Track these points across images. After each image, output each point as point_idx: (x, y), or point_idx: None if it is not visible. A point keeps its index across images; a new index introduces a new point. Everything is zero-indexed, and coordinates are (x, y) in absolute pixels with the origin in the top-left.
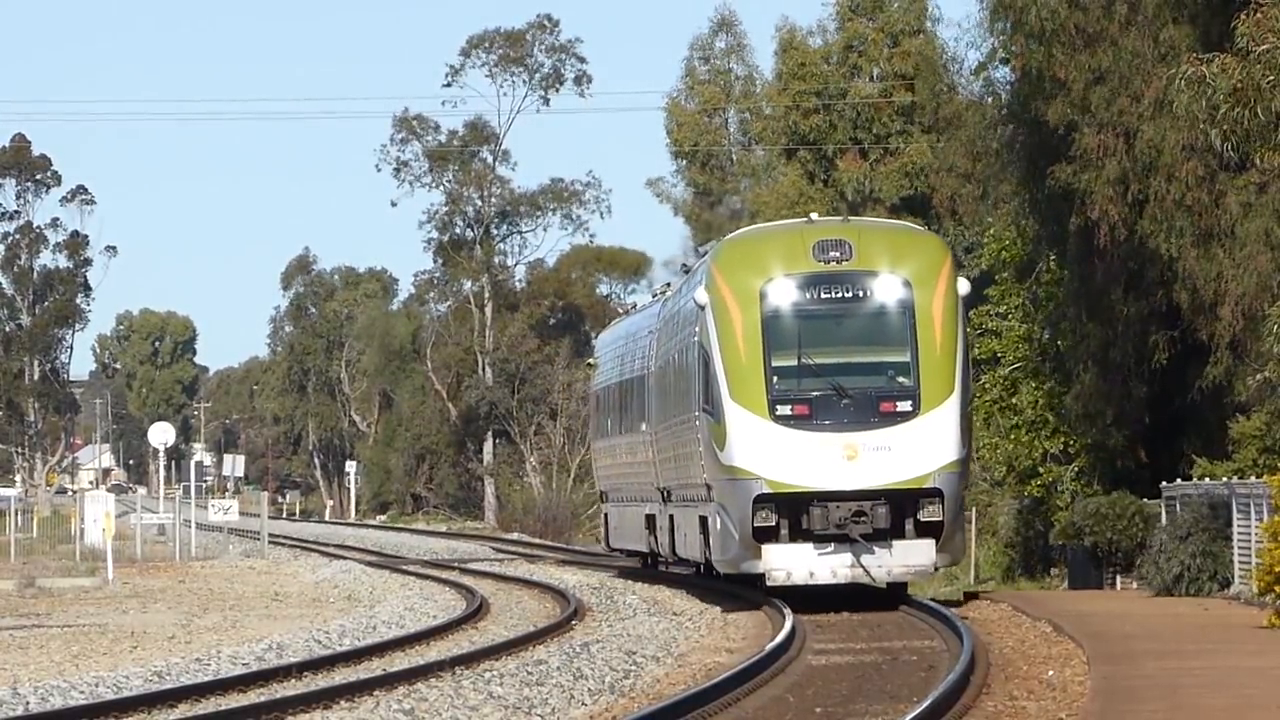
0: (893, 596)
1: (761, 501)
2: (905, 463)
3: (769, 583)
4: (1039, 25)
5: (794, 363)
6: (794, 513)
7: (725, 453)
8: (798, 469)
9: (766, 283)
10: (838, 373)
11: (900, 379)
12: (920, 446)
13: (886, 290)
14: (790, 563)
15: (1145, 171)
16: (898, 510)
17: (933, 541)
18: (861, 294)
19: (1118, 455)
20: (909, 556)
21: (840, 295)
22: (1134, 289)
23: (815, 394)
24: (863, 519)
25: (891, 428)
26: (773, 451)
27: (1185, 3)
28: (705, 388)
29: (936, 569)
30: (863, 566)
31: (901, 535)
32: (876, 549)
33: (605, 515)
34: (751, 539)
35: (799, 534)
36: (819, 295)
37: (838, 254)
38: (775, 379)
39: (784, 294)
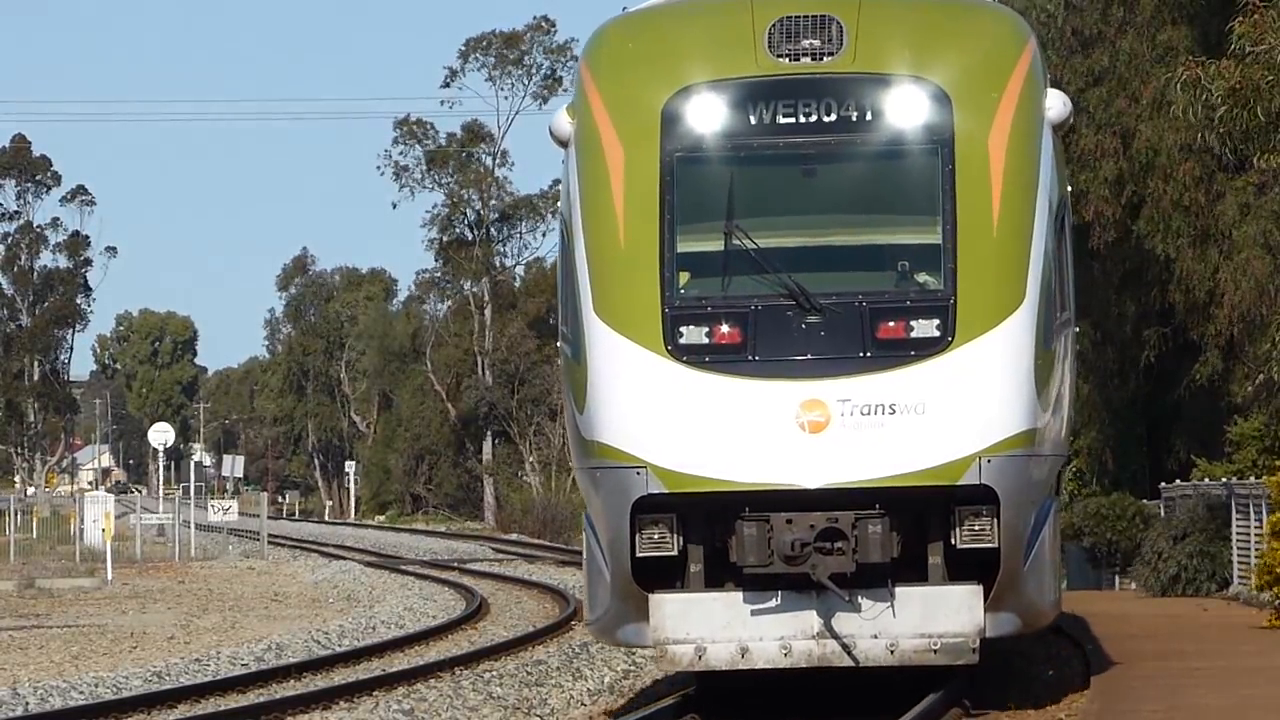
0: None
1: (649, 511)
2: (924, 438)
3: (666, 665)
4: (1036, 28)
5: (717, 246)
6: (711, 533)
7: (585, 417)
8: (718, 449)
9: (674, 96)
10: (800, 265)
11: (921, 278)
12: (955, 407)
13: (903, 111)
14: (703, 627)
15: (1142, 172)
16: (909, 528)
17: (977, 589)
18: (855, 119)
19: (1116, 456)
20: (931, 617)
21: (814, 121)
22: (1130, 289)
23: (755, 306)
24: (838, 544)
25: (899, 372)
26: (670, 416)
27: (1183, 4)
28: (562, 296)
29: (984, 640)
30: (837, 637)
31: (915, 576)
32: (865, 602)
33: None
34: (630, 581)
35: (721, 573)
36: (774, 121)
37: (814, 43)
38: (680, 277)
39: (707, 117)
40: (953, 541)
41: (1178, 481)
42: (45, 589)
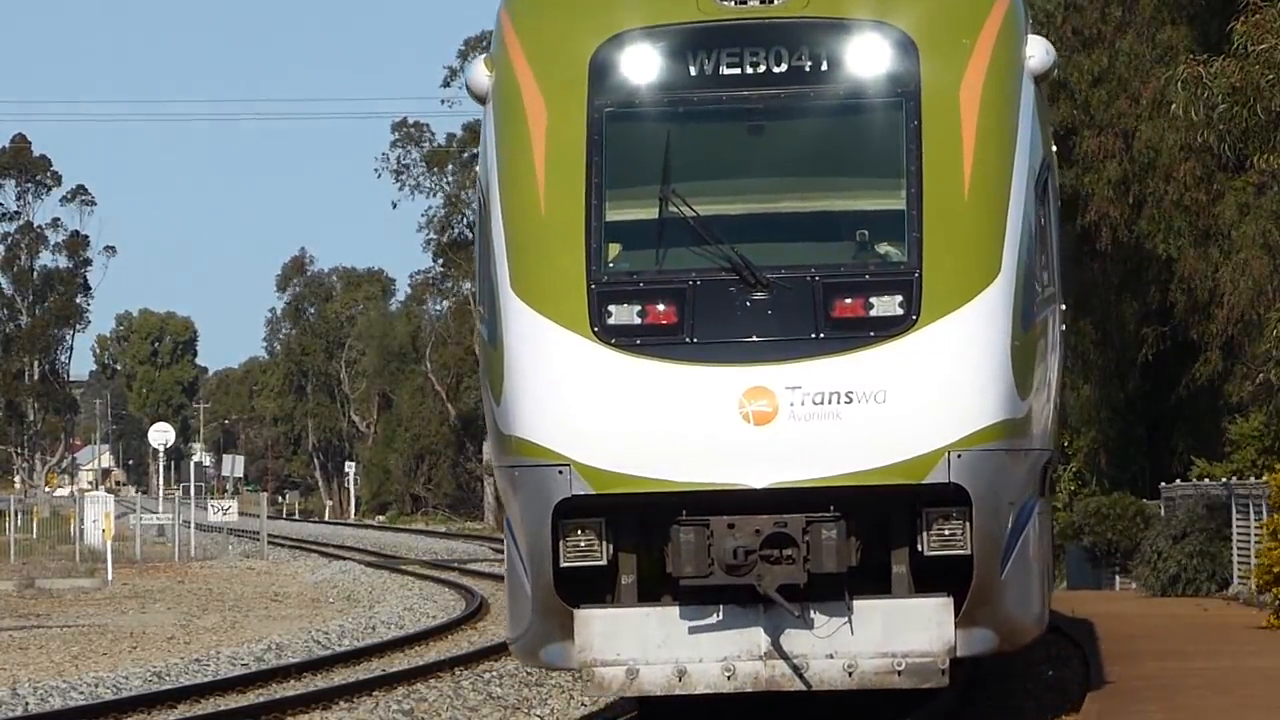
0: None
1: (573, 515)
2: (885, 430)
3: (594, 690)
4: (1036, 29)
5: (651, 214)
6: (646, 540)
7: (501, 409)
8: (651, 445)
9: (604, 44)
10: (745, 235)
11: (882, 248)
12: (921, 395)
13: (863, 60)
14: (635, 647)
15: (1144, 172)
16: (868, 533)
17: (947, 602)
18: (808, 70)
19: (1116, 456)
20: (894, 634)
21: (762, 72)
22: (1130, 289)
23: (693, 282)
24: (788, 552)
25: (857, 355)
26: (596, 407)
27: (1183, 4)
28: (479, 272)
29: (956, 660)
30: (787, 657)
31: (876, 588)
32: (819, 617)
33: None
34: (553, 595)
35: (657, 585)
36: (717, 72)
37: None
38: (608, 249)
39: (641, 67)
40: (919, 548)
41: (1178, 481)
42: (45, 589)
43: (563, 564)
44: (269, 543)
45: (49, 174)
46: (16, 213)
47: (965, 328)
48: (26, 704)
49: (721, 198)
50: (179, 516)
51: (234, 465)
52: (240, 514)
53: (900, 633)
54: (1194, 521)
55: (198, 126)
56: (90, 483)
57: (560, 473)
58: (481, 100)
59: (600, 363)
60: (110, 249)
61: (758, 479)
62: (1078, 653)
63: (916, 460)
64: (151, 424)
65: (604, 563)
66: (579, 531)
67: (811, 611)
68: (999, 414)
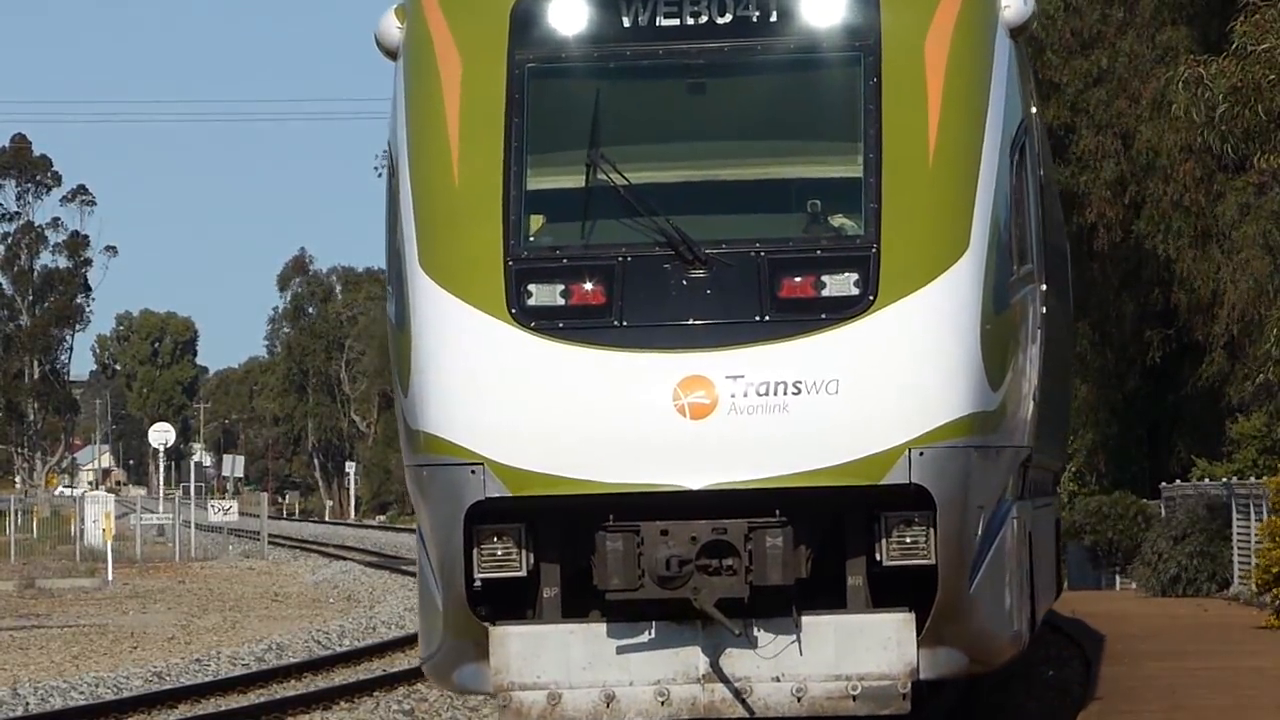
0: None
1: (489, 520)
2: (838, 425)
3: (511, 715)
4: (1035, 30)
5: (578, 182)
6: (572, 548)
7: (409, 401)
8: (575, 441)
9: None
10: (683, 205)
11: (836, 221)
12: (878, 385)
13: (816, 9)
14: (558, 668)
15: (1143, 172)
16: (820, 540)
17: (909, 618)
18: (755, 20)
19: (1116, 456)
20: (848, 654)
21: (704, 23)
22: (1131, 289)
23: (624, 258)
24: (728, 561)
25: (807, 340)
26: (514, 399)
27: (1183, 4)
28: (387, 248)
29: (920, 685)
30: (728, 680)
31: (829, 602)
32: (763, 635)
33: None
34: (466, 611)
35: (583, 599)
36: (653, 23)
37: None
38: (530, 222)
39: (568, 18)
40: (877, 557)
41: (1178, 481)
42: (45, 589)
43: (477, 575)
44: (269, 543)
45: (49, 174)
46: (16, 213)
47: (929, 309)
48: (27, 704)
49: (657, 164)
50: (179, 516)
51: (234, 465)
52: (240, 514)
53: (855, 653)
54: (1194, 522)
55: (198, 126)
56: (90, 483)
57: (473, 472)
58: (392, 56)
59: (518, 349)
60: (110, 249)
61: (694, 479)
62: (1078, 653)
63: (873, 458)
64: (151, 424)
65: (523, 574)
66: (494, 539)
67: (755, 629)
68: (967, 406)
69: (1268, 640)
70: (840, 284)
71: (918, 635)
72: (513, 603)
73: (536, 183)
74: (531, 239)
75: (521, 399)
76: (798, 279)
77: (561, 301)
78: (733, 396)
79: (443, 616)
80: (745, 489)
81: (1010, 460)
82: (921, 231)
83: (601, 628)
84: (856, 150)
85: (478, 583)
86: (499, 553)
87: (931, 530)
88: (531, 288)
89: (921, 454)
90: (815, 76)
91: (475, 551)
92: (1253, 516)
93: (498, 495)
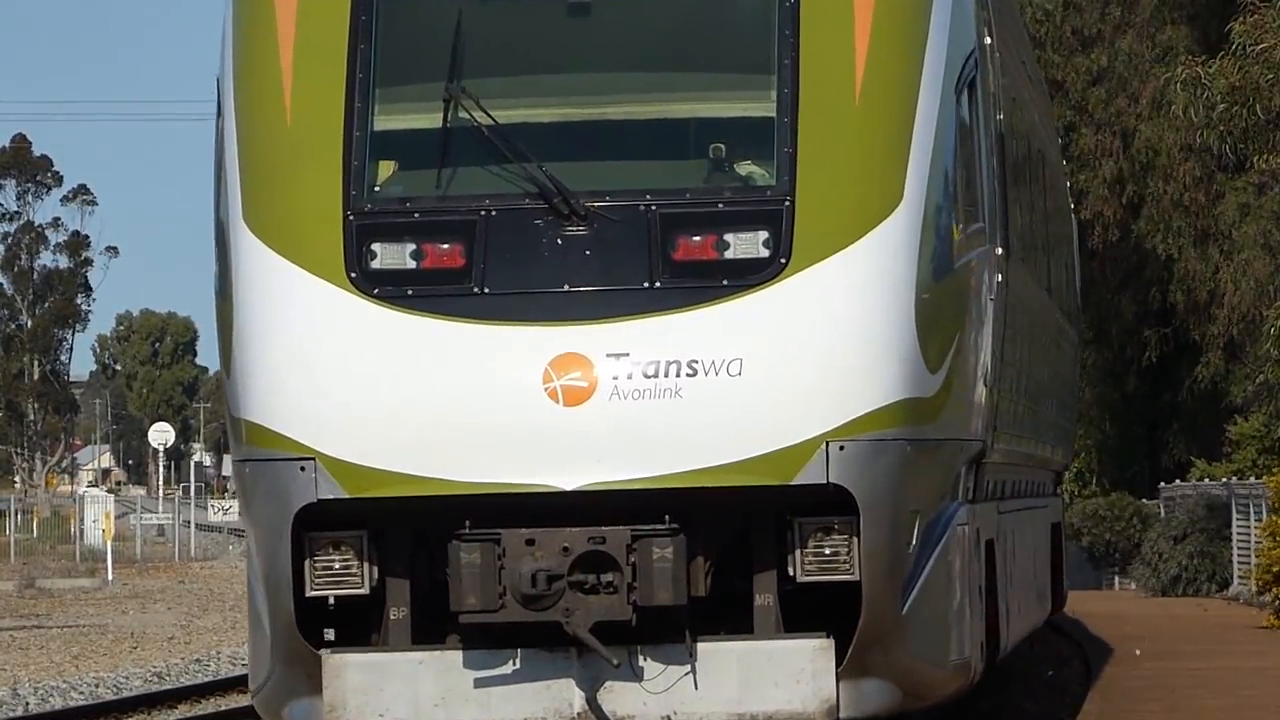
0: None
1: (324, 527)
2: (741, 413)
3: None
4: (1035, 28)
5: (434, 122)
6: (424, 561)
7: (231, 381)
8: (425, 432)
9: None
10: (559, 150)
11: (744, 169)
12: (790, 366)
13: None
14: (404, 705)
15: (1142, 172)
16: (720, 552)
17: (827, 644)
18: None
19: (1116, 456)
20: (753, 687)
21: None
22: (1130, 289)
23: (487, 211)
24: (607, 577)
25: (705, 311)
26: (352, 381)
27: (1183, 4)
28: (214, 204)
29: None
30: (606, 719)
31: (733, 625)
32: (650, 666)
33: None
34: (296, 635)
35: (435, 621)
36: None
37: None
38: (377, 169)
39: None
40: (790, 572)
41: (1177, 481)
42: (45, 589)
43: (310, 592)
44: None
45: (49, 174)
46: (17, 213)
47: (852, 274)
48: (27, 704)
49: (529, 100)
50: (179, 516)
51: None
52: (240, 514)
53: (762, 686)
54: (1194, 522)
55: (197, 126)
56: (91, 483)
57: (302, 469)
58: None
59: (358, 321)
60: (111, 249)
61: (567, 478)
62: (1078, 653)
63: (783, 453)
64: (152, 424)
65: (365, 591)
66: (331, 549)
67: (641, 658)
68: (897, 391)
69: (1267, 640)
70: (747, 244)
71: (838, 665)
72: (355, 627)
73: (385, 122)
74: (377, 189)
75: (361, 382)
76: (695, 238)
77: (412, 264)
78: (615, 379)
79: (271, 641)
80: (628, 489)
81: (953, 456)
82: (845, 181)
83: (457, 656)
84: (768, 84)
85: (314, 601)
86: (336, 565)
87: (854, 539)
88: (376, 247)
89: (842, 448)
90: None
91: (308, 564)
92: (1252, 516)
93: (332, 497)
